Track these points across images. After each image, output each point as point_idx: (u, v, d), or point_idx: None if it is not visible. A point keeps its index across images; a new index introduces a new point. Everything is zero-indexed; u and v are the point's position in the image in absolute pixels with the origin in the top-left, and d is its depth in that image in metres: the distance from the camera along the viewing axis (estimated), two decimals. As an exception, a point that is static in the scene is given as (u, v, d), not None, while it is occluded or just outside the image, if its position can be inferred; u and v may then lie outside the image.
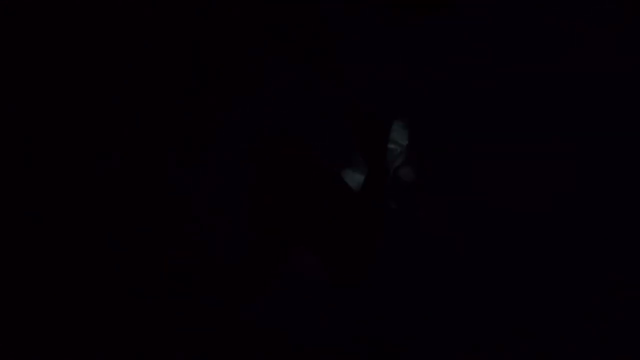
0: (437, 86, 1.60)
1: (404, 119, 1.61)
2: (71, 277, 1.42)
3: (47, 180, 1.46)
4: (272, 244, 1.51)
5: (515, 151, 1.53)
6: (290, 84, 1.63)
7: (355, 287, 1.49)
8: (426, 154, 1.54)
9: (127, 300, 1.41)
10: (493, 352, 1.37)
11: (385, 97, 1.61)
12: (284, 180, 1.54)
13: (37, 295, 1.39)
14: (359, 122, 1.60)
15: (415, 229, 1.54)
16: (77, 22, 1.54)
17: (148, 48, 1.57)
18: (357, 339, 1.41)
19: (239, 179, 1.56)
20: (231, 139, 1.59)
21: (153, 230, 1.48)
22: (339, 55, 1.64)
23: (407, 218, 1.54)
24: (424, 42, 1.62)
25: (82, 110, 1.52)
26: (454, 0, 1.61)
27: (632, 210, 1.46)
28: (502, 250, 1.48)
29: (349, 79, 1.63)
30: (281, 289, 1.48)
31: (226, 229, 1.53)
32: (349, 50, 1.64)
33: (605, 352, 1.34)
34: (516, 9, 1.59)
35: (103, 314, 1.39)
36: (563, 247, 1.46)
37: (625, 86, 1.53)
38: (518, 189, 1.51)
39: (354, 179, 1.57)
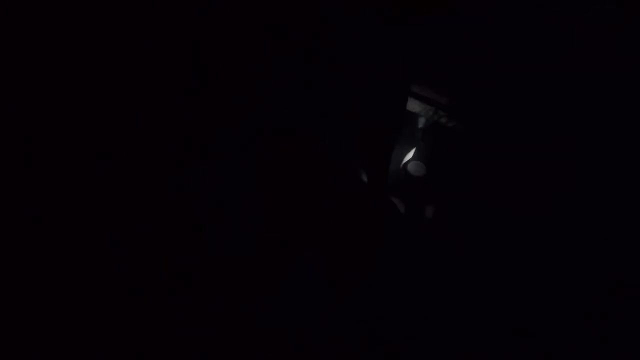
0: (437, 86, 1.60)
1: (404, 119, 1.60)
2: (71, 277, 1.42)
3: (47, 180, 1.46)
4: (274, 243, 1.51)
5: (515, 151, 1.53)
6: (290, 84, 1.63)
7: (355, 287, 1.49)
8: (426, 154, 1.54)
9: (127, 300, 1.41)
10: (493, 352, 1.37)
11: (386, 97, 1.61)
12: (285, 180, 1.54)
13: (37, 295, 1.39)
14: (362, 125, 1.60)
15: (415, 229, 1.53)
16: (77, 22, 1.54)
17: (148, 48, 1.57)
18: (357, 339, 1.41)
19: (239, 178, 1.56)
20: (231, 139, 1.59)
21: (153, 230, 1.48)
22: (339, 55, 1.64)
23: (408, 218, 1.54)
24: (424, 42, 1.62)
25: (82, 110, 1.52)
26: (454, 0, 1.61)
27: (632, 210, 1.46)
28: (502, 250, 1.48)
29: (349, 79, 1.63)
30: (281, 289, 1.48)
31: (226, 229, 1.53)
32: (349, 50, 1.63)
33: (605, 352, 1.34)
34: (516, 9, 1.59)
35: (103, 314, 1.39)
36: (563, 247, 1.46)
37: (625, 86, 1.52)
38: (518, 189, 1.51)
39: (354, 178, 1.56)
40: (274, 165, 1.56)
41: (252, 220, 1.54)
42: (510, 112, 1.56)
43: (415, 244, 1.52)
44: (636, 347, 1.33)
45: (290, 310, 1.45)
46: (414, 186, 1.51)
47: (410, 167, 1.46)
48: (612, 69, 1.53)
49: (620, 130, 1.51)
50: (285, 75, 1.63)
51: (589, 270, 1.43)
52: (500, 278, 1.45)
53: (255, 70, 1.62)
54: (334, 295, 1.48)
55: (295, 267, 1.50)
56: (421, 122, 1.59)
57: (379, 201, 1.55)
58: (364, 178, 1.56)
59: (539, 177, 1.51)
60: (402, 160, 1.54)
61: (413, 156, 1.49)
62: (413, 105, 1.59)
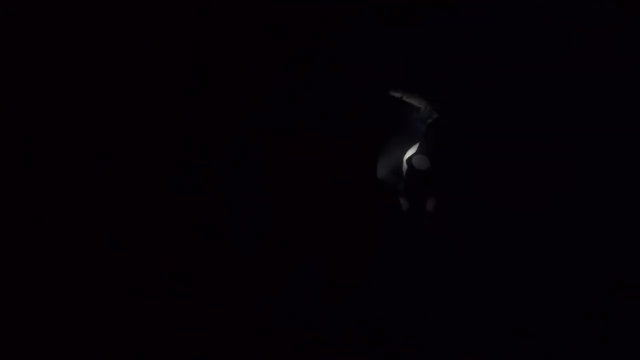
0: (437, 86, 1.60)
1: (404, 119, 1.60)
2: (71, 277, 1.42)
3: (47, 180, 1.46)
4: (274, 243, 1.51)
5: (515, 151, 1.53)
6: (290, 84, 1.63)
7: (355, 287, 1.49)
8: (426, 154, 1.54)
9: (127, 300, 1.41)
10: (493, 352, 1.37)
11: (385, 97, 1.61)
12: (285, 180, 1.54)
13: (37, 295, 1.39)
14: (361, 125, 1.60)
15: (415, 229, 1.54)
16: (77, 22, 1.54)
17: (148, 48, 1.57)
18: (357, 339, 1.41)
19: (239, 178, 1.56)
20: (231, 139, 1.59)
21: (153, 230, 1.48)
22: (339, 55, 1.64)
23: (408, 218, 1.54)
24: (424, 42, 1.62)
25: (82, 110, 1.52)
26: (454, 0, 1.61)
27: (632, 210, 1.46)
28: (502, 250, 1.48)
29: (349, 79, 1.63)
30: (281, 289, 1.48)
31: (226, 229, 1.53)
32: (349, 50, 1.63)
33: (605, 352, 1.34)
34: (516, 9, 1.59)
35: (103, 314, 1.39)
36: (563, 247, 1.46)
37: (625, 86, 1.52)
38: (518, 189, 1.51)
39: (355, 178, 1.56)
40: (274, 165, 1.56)
41: (252, 220, 1.54)
42: (510, 112, 1.56)
43: (415, 244, 1.52)
44: (636, 347, 1.33)
45: (290, 310, 1.45)
46: (417, 181, 1.50)
47: (414, 160, 1.46)
48: (612, 69, 1.53)
49: (620, 130, 1.51)
50: (285, 75, 1.63)
51: (589, 270, 1.43)
52: (500, 278, 1.45)
53: (255, 70, 1.62)
54: (334, 295, 1.48)
55: (295, 267, 1.50)
56: (422, 119, 1.58)
57: (379, 201, 1.55)
58: (364, 178, 1.56)
59: (539, 177, 1.51)
60: (403, 157, 1.54)
61: (417, 150, 1.49)
62: (413, 103, 1.59)
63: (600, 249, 1.44)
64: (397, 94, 1.59)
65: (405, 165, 1.52)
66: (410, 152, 1.54)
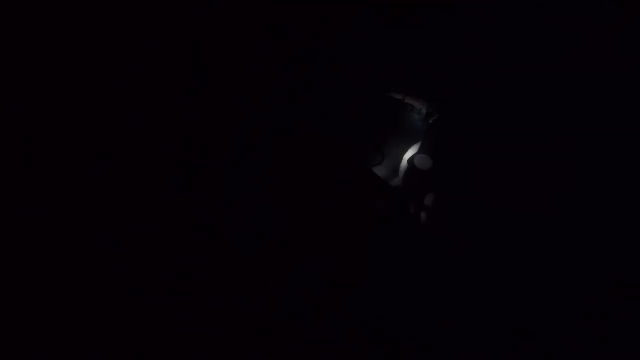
0: (437, 86, 1.60)
1: (404, 118, 1.60)
2: (71, 277, 1.42)
3: (47, 180, 1.46)
4: (274, 243, 1.51)
5: (515, 151, 1.53)
6: (290, 84, 1.63)
7: (355, 287, 1.48)
8: (429, 149, 1.54)
9: (127, 300, 1.41)
10: (493, 352, 1.37)
11: (386, 97, 1.61)
12: (285, 180, 1.54)
13: (37, 295, 1.39)
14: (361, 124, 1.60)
15: (415, 228, 1.53)
16: (77, 22, 1.54)
17: (148, 48, 1.57)
18: (357, 338, 1.41)
19: (239, 178, 1.56)
20: (231, 139, 1.59)
21: (153, 230, 1.48)
22: (339, 55, 1.64)
23: (408, 218, 1.54)
24: (424, 42, 1.62)
25: (82, 110, 1.52)
26: (454, 0, 1.61)
27: (632, 210, 1.46)
28: (502, 250, 1.47)
29: (349, 79, 1.63)
30: (281, 289, 1.47)
31: (226, 229, 1.53)
32: (349, 50, 1.63)
33: (605, 352, 1.34)
34: (516, 9, 1.59)
35: (103, 314, 1.39)
36: (563, 247, 1.46)
37: (625, 86, 1.52)
38: (518, 189, 1.51)
39: (355, 178, 1.56)
40: (274, 165, 1.56)
41: (252, 220, 1.54)
42: (510, 112, 1.56)
43: (415, 244, 1.52)
44: (636, 347, 1.33)
45: (291, 310, 1.45)
46: (419, 180, 1.50)
47: (416, 160, 1.46)
48: (612, 69, 1.53)
49: (620, 130, 1.51)
50: (285, 75, 1.63)
51: (589, 270, 1.43)
52: (500, 278, 1.45)
53: (255, 70, 1.62)
54: (334, 295, 1.48)
55: (295, 267, 1.50)
56: (422, 119, 1.58)
57: (379, 201, 1.55)
58: (364, 178, 1.56)
59: (539, 177, 1.51)
60: (403, 156, 1.54)
61: (418, 150, 1.49)
62: (413, 103, 1.59)
63: (600, 249, 1.44)
64: (397, 94, 1.59)
65: (406, 165, 1.52)
66: (411, 152, 1.54)
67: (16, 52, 1.50)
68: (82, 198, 1.48)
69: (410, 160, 1.48)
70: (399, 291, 1.47)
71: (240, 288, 1.47)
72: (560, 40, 1.57)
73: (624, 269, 1.42)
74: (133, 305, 1.42)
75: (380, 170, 1.57)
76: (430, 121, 1.57)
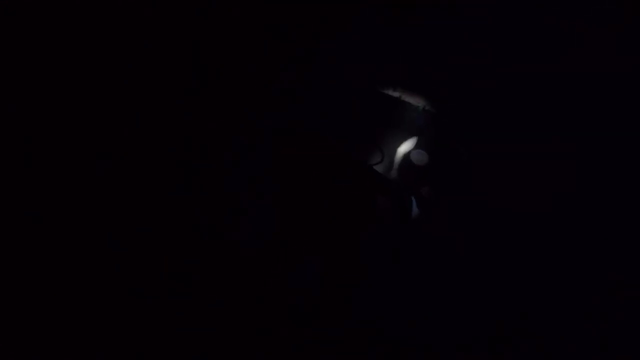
0: (437, 86, 1.60)
1: (404, 118, 1.61)
2: (71, 277, 1.42)
3: (47, 180, 1.46)
4: (274, 243, 1.51)
5: (515, 151, 1.53)
6: (290, 84, 1.63)
7: (355, 287, 1.48)
8: (427, 145, 1.54)
9: (127, 300, 1.41)
10: (493, 352, 1.37)
11: (386, 97, 1.61)
12: (284, 180, 1.54)
13: (37, 295, 1.39)
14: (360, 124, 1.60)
15: (415, 228, 1.54)
16: (77, 22, 1.54)
17: (148, 48, 1.57)
18: (357, 338, 1.41)
19: (239, 178, 1.56)
20: (231, 139, 1.59)
21: (153, 230, 1.48)
22: (339, 55, 1.64)
23: (408, 218, 1.54)
24: (424, 42, 1.62)
25: (82, 110, 1.52)
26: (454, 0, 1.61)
27: (632, 210, 1.46)
28: (502, 250, 1.48)
29: (349, 79, 1.63)
30: (281, 289, 1.48)
31: (226, 229, 1.53)
32: (349, 50, 1.63)
33: (605, 352, 1.34)
34: (516, 9, 1.59)
35: (103, 314, 1.39)
36: (563, 247, 1.46)
37: (625, 86, 1.52)
38: (518, 189, 1.51)
39: (355, 178, 1.56)
40: (274, 165, 1.56)
41: (252, 220, 1.54)
42: (510, 112, 1.56)
43: (416, 244, 1.52)
44: (636, 347, 1.33)
45: (290, 310, 1.45)
46: (415, 176, 1.50)
47: (412, 155, 1.46)
48: (612, 69, 1.53)
49: (620, 130, 1.51)
50: (285, 75, 1.63)
51: (589, 270, 1.43)
52: (500, 278, 1.45)
53: (255, 70, 1.62)
54: (334, 295, 1.48)
55: (295, 267, 1.50)
56: (421, 118, 1.58)
57: (379, 201, 1.55)
58: (364, 178, 1.56)
59: (539, 177, 1.51)
60: (401, 152, 1.54)
61: (415, 145, 1.49)
62: (413, 103, 1.59)
63: (600, 249, 1.44)
64: (396, 94, 1.59)
65: (401, 158, 1.52)
66: (405, 145, 1.54)
67: (16, 52, 1.50)
68: (82, 198, 1.48)
69: (407, 155, 1.48)
70: (399, 291, 1.47)
71: (240, 288, 1.47)
72: (560, 40, 1.57)
73: (624, 269, 1.42)
74: (133, 305, 1.41)
75: (380, 169, 1.58)
76: (430, 120, 1.57)
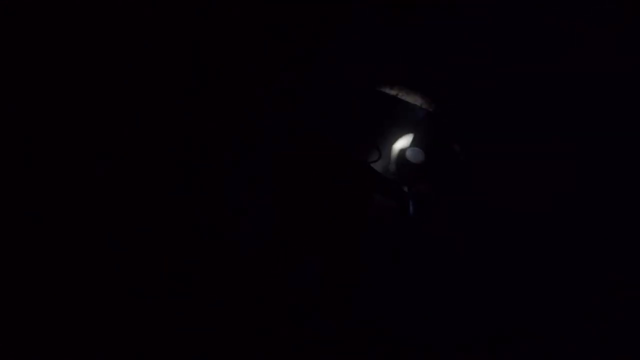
0: (437, 86, 1.60)
1: (404, 118, 1.61)
2: (71, 277, 1.42)
3: (47, 180, 1.46)
4: (274, 243, 1.51)
5: (515, 151, 1.53)
6: (290, 84, 1.63)
7: (355, 287, 1.48)
8: (424, 143, 1.54)
9: (127, 300, 1.41)
10: (493, 352, 1.37)
11: (385, 96, 1.61)
12: (285, 180, 1.54)
13: (37, 295, 1.39)
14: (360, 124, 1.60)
15: (415, 228, 1.53)
16: (77, 22, 1.54)
17: (148, 48, 1.57)
18: (357, 338, 1.41)
19: (239, 178, 1.56)
20: (231, 139, 1.59)
21: (153, 230, 1.48)
22: (339, 55, 1.64)
23: (408, 218, 1.54)
24: (424, 42, 1.62)
25: (82, 110, 1.52)
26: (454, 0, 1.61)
27: (632, 210, 1.46)
28: (502, 250, 1.47)
29: (349, 79, 1.63)
30: (281, 289, 1.47)
31: (226, 229, 1.53)
32: (349, 50, 1.63)
33: (605, 352, 1.34)
34: (516, 9, 1.59)
35: (103, 314, 1.39)
36: (563, 247, 1.46)
37: (625, 86, 1.52)
38: (518, 189, 1.51)
39: (354, 178, 1.56)
40: (273, 165, 1.56)
41: (252, 221, 1.54)
42: (510, 112, 1.56)
43: (415, 244, 1.51)
44: (636, 347, 1.33)
45: (290, 310, 1.45)
46: (413, 174, 1.50)
47: (408, 153, 1.46)
48: (612, 69, 1.53)
49: (620, 130, 1.51)
50: (285, 75, 1.63)
51: (589, 270, 1.43)
52: (500, 278, 1.45)
53: (255, 70, 1.62)
54: (334, 295, 1.48)
55: (295, 267, 1.50)
56: (418, 114, 1.58)
57: (378, 201, 1.55)
58: (364, 178, 1.56)
59: (539, 177, 1.51)
60: (398, 149, 1.54)
61: (411, 143, 1.49)
62: (412, 102, 1.59)
63: (600, 249, 1.44)
64: (393, 92, 1.59)
65: (397, 154, 1.52)
66: (401, 141, 1.54)
67: (16, 52, 1.50)
68: (82, 198, 1.48)
69: (403, 153, 1.48)
70: (399, 291, 1.47)
71: (240, 288, 1.47)
72: (560, 40, 1.57)
73: (624, 269, 1.42)
74: (133, 305, 1.41)
75: (377, 167, 1.58)
76: (426, 115, 1.57)
